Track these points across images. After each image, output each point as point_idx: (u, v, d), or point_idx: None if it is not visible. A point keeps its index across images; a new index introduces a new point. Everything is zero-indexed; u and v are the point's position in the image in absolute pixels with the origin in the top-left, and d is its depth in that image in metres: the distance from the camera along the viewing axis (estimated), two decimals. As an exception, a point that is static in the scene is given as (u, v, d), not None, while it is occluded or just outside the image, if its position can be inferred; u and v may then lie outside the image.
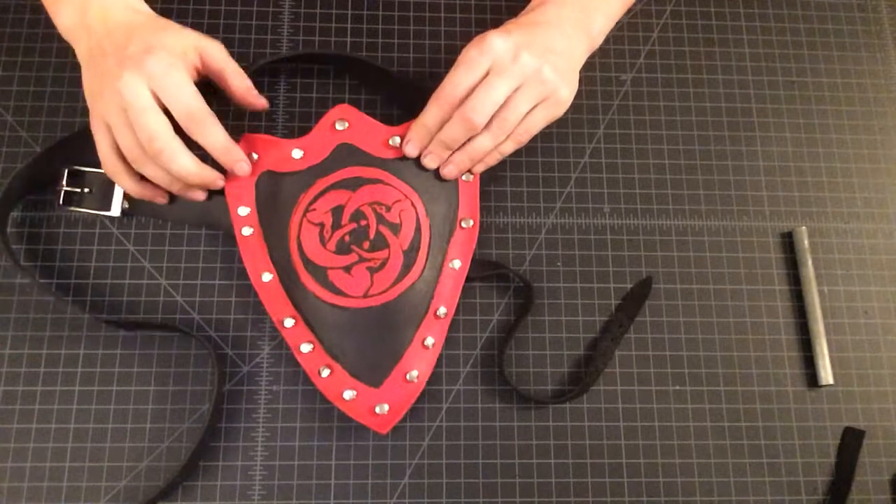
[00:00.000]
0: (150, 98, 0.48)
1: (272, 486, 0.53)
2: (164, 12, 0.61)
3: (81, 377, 0.54)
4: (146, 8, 0.54)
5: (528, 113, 0.53)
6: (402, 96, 0.61)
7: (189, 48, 0.51)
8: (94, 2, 0.51)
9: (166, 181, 0.52)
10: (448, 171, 0.55)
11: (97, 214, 0.57)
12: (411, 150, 0.55)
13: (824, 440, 0.56)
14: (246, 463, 0.53)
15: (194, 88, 0.50)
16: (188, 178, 0.51)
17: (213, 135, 0.51)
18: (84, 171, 0.57)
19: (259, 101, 0.56)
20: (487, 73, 0.51)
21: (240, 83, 0.55)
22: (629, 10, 0.63)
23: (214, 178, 0.53)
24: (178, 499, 0.52)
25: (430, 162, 0.55)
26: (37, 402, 0.53)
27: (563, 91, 0.53)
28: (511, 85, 0.51)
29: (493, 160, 0.56)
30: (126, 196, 0.56)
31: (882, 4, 0.67)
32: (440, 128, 0.53)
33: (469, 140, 0.54)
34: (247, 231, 0.55)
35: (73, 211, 0.57)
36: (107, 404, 0.53)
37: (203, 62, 0.53)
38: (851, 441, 0.56)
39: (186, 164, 0.50)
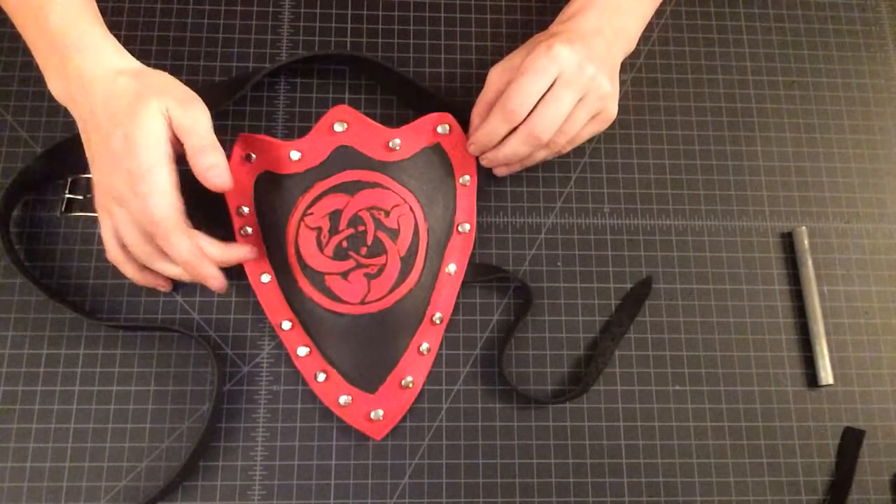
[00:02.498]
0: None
1: (272, 486, 0.53)
2: (166, 13, 0.61)
3: (81, 377, 0.54)
4: (129, 63, 0.49)
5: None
6: (407, 96, 0.61)
7: (164, 119, 0.46)
8: (73, 70, 0.47)
9: (176, 273, 0.50)
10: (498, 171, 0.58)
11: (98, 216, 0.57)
12: (473, 153, 0.56)
13: (824, 440, 0.56)
14: (246, 463, 0.53)
15: (170, 195, 0.46)
16: (213, 260, 0.49)
17: (178, 245, 0.47)
18: (85, 178, 0.57)
19: (215, 182, 0.47)
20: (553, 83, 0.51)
21: (198, 161, 0.47)
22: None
23: (243, 254, 0.51)
24: (178, 499, 0.52)
25: (489, 165, 0.56)
26: (37, 402, 0.53)
27: (614, 107, 0.54)
28: (576, 97, 0.51)
29: (520, 166, 0.57)
30: None
31: (882, 4, 0.67)
32: (503, 135, 0.53)
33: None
34: (246, 231, 0.55)
35: (74, 215, 0.57)
36: (107, 404, 0.53)
37: (172, 129, 0.47)
38: (851, 441, 0.56)
39: (204, 250, 0.48)
